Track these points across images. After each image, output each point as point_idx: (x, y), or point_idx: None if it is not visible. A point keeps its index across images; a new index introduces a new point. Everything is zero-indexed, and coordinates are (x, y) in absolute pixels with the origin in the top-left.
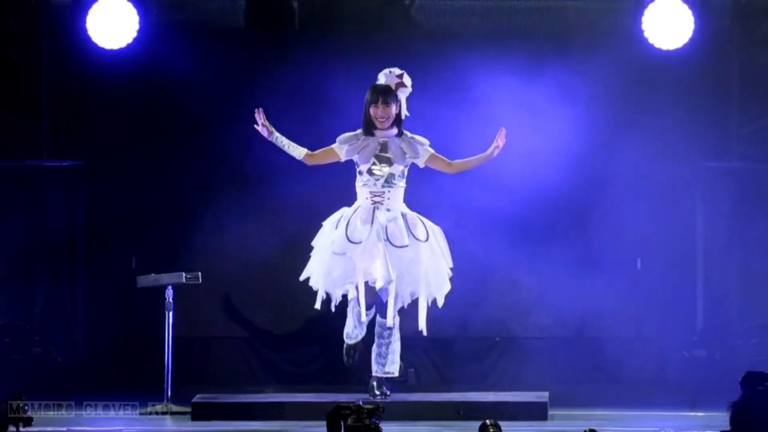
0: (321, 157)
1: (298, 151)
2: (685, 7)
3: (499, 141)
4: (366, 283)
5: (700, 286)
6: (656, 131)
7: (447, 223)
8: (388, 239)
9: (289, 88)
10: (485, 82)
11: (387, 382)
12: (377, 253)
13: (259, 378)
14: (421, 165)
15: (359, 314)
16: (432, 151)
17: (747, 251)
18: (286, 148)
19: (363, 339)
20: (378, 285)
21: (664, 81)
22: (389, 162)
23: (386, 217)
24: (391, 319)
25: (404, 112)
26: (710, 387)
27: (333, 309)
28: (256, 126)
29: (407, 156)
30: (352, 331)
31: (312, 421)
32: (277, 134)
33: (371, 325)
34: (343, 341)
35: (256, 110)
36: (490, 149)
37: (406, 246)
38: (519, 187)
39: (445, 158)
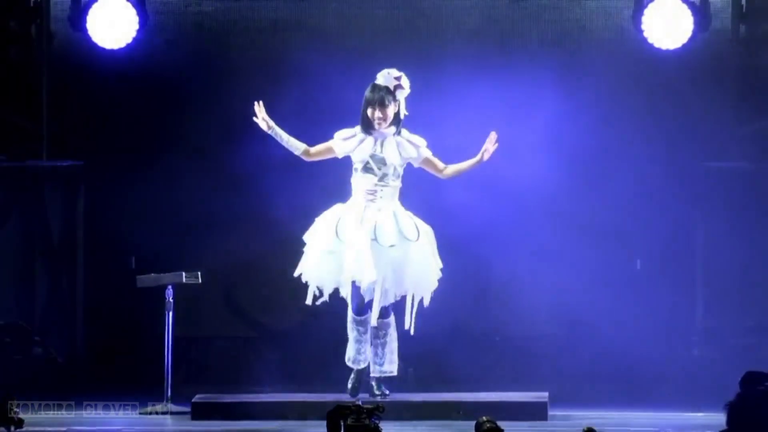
0: (319, 152)
1: (296, 146)
2: (685, 7)
3: (489, 145)
4: (353, 282)
5: (700, 286)
6: (656, 131)
7: (447, 223)
8: (376, 238)
9: (288, 89)
10: (483, 83)
11: (386, 381)
12: (363, 253)
13: (259, 378)
14: (416, 165)
15: (355, 320)
16: (428, 153)
17: (747, 251)
18: (284, 143)
19: (366, 368)
20: (363, 285)
21: (663, 81)
22: (384, 161)
23: (377, 215)
24: (375, 318)
25: (403, 112)
26: (710, 387)
27: (312, 305)
28: (255, 119)
29: (403, 156)
30: (355, 354)
31: (312, 421)
32: (276, 128)
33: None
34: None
35: (255, 103)
36: (480, 154)
37: (394, 246)
38: (518, 188)
39: (438, 162)
